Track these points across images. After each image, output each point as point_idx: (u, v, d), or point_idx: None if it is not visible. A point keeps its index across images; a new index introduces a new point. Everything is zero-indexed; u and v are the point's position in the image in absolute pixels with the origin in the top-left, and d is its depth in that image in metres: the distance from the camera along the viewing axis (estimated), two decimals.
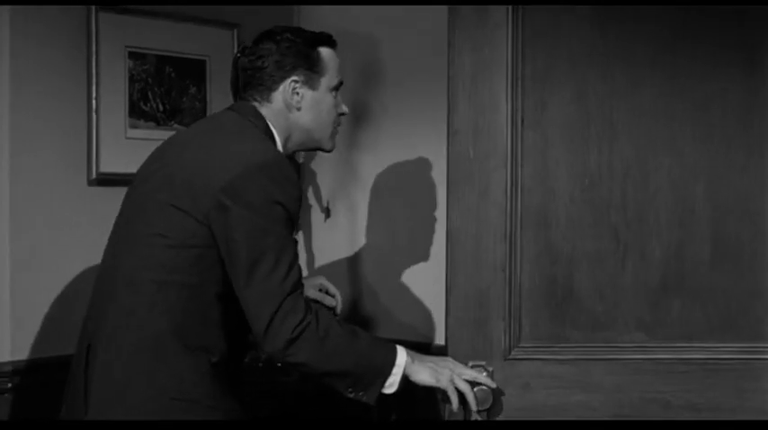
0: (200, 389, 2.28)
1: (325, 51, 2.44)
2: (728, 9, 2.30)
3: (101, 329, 2.30)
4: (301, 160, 3.45)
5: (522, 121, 2.31)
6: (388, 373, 2.25)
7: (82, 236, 3.07)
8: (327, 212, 3.54)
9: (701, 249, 2.32)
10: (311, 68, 2.41)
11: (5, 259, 2.95)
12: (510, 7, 2.29)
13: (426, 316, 3.30)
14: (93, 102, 3.12)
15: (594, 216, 2.32)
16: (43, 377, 2.76)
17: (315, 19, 3.43)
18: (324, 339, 2.22)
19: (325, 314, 2.28)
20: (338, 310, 2.71)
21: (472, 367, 2.30)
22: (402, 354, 2.28)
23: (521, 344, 2.33)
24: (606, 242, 2.32)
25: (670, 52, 2.30)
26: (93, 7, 3.10)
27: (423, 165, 3.25)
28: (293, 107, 2.41)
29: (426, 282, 3.29)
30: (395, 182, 3.38)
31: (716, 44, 2.30)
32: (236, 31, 3.42)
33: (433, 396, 2.32)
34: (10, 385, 2.92)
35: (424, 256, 3.29)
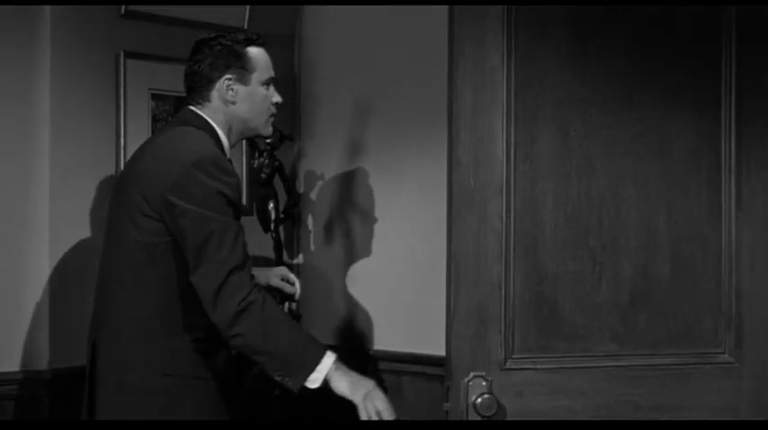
0: (189, 364, 2.66)
1: (254, 51, 2.80)
2: (681, 52, 2.64)
3: (101, 325, 2.71)
4: (302, 190, 3.65)
5: (515, 155, 2.58)
6: (311, 369, 2.55)
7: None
8: (325, 236, 3.79)
9: (662, 269, 2.65)
10: (242, 66, 2.76)
11: (45, 277, 3.31)
12: (505, 52, 2.56)
13: (417, 330, 3.54)
14: (122, 139, 3.48)
15: (575, 240, 2.61)
16: (77, 384, 2.97)
17: (314, 56, 3.86)
18: (266, 319, 2.54)
19: (272, 298, 2.61)
20: (296, 297, 3.03)
21: (474, 378, 2.52)
22: (330, 359, 2.58)
23: (514, 356, 2.57)
24: (585, 263, 2.62)
25: (638, 92, 2.62)
26: (122, 53, 3.49)
27: (415, 193, 3.51)
28: (229, 102, 2.76)
29: (416, 299, 3.54)
30: (388, 209, 3.67)
31: (674, 86, 2.64)
32: None
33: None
34: (48, 391, 3.27)
35: (416, 276, 3.56)
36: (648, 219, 2.65)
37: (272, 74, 2.82)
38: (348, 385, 2.56)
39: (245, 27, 3.68)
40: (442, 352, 3.23)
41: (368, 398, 2.54)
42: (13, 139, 3.28)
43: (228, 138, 2.79)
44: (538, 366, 2.58)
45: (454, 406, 2.53)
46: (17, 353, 3.30)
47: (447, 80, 2.56)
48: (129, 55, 3.50)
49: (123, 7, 3.46)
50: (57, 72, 3.32)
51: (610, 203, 2.63)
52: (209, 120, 2.76)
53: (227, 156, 2.78)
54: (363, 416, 2.54)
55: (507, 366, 2.56)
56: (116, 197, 2.79)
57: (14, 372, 3.28)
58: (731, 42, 2.65)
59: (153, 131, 3.48)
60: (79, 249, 3.36)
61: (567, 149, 2.61)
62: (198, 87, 2.77)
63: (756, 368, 2.66)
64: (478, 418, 2.50)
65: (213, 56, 2.75)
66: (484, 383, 2.53)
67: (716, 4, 2.64)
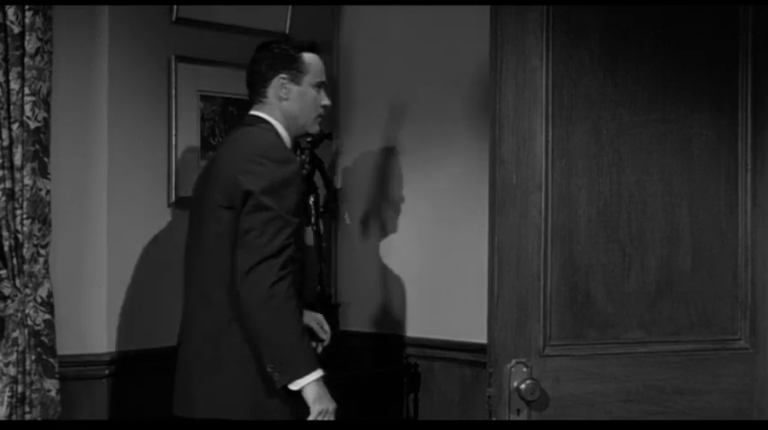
0: None
1: (308, 56, 3.06)
2: (700, 59, 2.81)
3: (190, 322, 3.00)
4: (340, 186, 3.77)
5: (553, 152, 2.71)
6: (301, 376, 2.82)
7: (163, 247, 3.64)
8: (363, 230, 4.01)
9: (684, 261, 2.82)
10: (296, 68, 3.03)
11: (104, 268, 3.54)
12: (544, 53, 2.69)
13: (450, 318, 3.68)
14: (174, 138, 3.69)
15: (607, 233, 2.76)
16: (134, 365, 3.51)
17: (353, 56, 4.08)
18: (282, 316, 2.79)
19: (295, 299, 2.83)
20: (325, 344, 3.23)
21: (516, 364, 2.64)
22: (317, 374, 2.86)
23: (551, 343, 2.70)
24: (615, 255, 2.76)
25: (662, 94, 2.78)
26: (173, 57, 3.69)
27: (445, 189, 3.63)
28: (282, 98, 3.02)
29: (448, 289, 3.70)
30: (421, 204, 3.85)
31: (695, 89, 2.81)
32: None
33: None
34: (107, 372, 3.52)
35: (447, 267, 3.72)
36: (672, 214, 2.81)
37: (323, 78, 3.08)
38: (315, 395, 2.84)
39: (287, 32, 3.91)
40: (474, 339, 3.39)
41: (323, 411, 2.84)
42: (73, 138, 3.47)
43: (288, 131, 3.05)
44: (573, 353, 2.72)
45: (497, 391, 2.64)
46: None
47: (489, 80, 2.67)
48: (180, 59, 3.70)
49: (175, 14, 3.68)
50: (114, 74, 3.54)
51: (637, 198, 2.78)
52: (268, 118, 3.03)
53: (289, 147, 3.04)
54: (311, 417, 2.85)
55: (545, 353, 2.69)
56: (196, 197, 3.07)
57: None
58: (747, 46, 2.83)
59: (202, 130, 3.75)
60: (133, 245, 3.60)
61: (600, 146, 2.75)
62: (256, 84, 3.04)
63: None
64: (521, 403, 2.62)
65: (272, 57, 3.03)
66: (525, 369, 2.65)
67: (735, 4, 2.80)
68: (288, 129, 3.04)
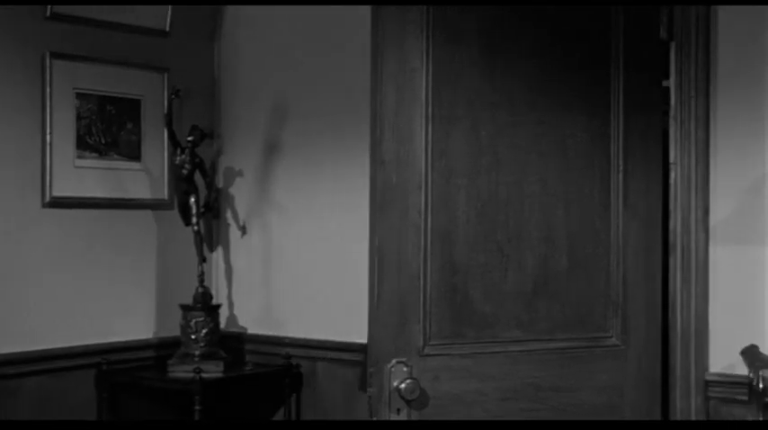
0: None
1: None
2: (576, 60, 2.87)
3: None
4: (221, 185, 3.73)
5: (432, 152, 2.73)
6: None
7: (36, 247, 3.57)
8: (243, 230, 3.95)
9: (560, 260, 2.88)
10: None
11: None
12: (424, 53, 2.70)
13: (332, 319, 3.67)
14: (48, 136, 3.59)
15: (485, 233, 2.79)
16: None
17: (235, 55, 3.98)
18: None
19: None
20: None
21: (396, 364, 2.66)
22: None
23: (431, 342, 2.72)
24: (493, 255, 2.80)
25: (539, 96, 2.83)
26: (48, 54, 3.59)
27: (329, 189, 3.61)
28: None
29: (330, 289, 3.70)
30: (304, 204, 3.81)
31: (570, 89, 2.87)
32: (166, 74, 3.89)
33: None
34: None
35: (330, 267, 3.71)
36: (549, 214, 2.86)
37: None
38: None
39: (167, 29, 3.84)
40: (356, 339, 3.38)
41: None
42: None
43: None
44: (452, 352, 2.74)
45: (378, 391, 2.65)
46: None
47: (370, 81, 2.67)
48: (55, 55, 3.61)
49: (49, 9, 3.56)
50: None
51: (515, 199, 2.82)
52: None
53: None
54: None
55: (425, 352, 2.71)
56: None
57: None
58: (619, 48, 2.90)
59: (78, 129, 3.67)
60: (2, 247, 3.50)
61: (478, 147, 2.78)
62: None
63: (638, 350, 2.93)
64: (401, 402, 2.63)
65: None
66: (405, 369, 2.66)
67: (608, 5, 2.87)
68: None
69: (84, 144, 3.68)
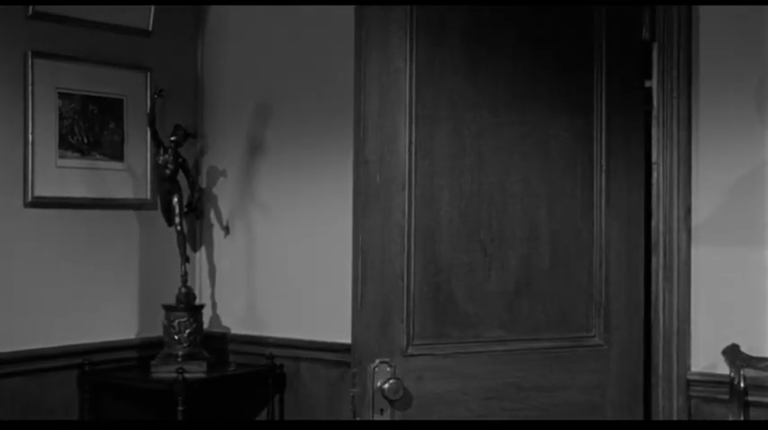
0: None
1: None
2: (559, 60, 2.87)
3: None
4: (204, 185, 3.72)
5: (416, 152, 2.73)
6: None
7: (19, 247, 3.55)
8: (227, 230, 3.94)
9: (542, 260, 2.88)
10: None
11: None
12: (407, 54, 2.70)
13: (315, 319, 3.67)
14: (30, 135, 3.58)
15: (468, 233, 2.79)
16: None
17: (218, 54, 3.98)
18: None
19: None
20: None
21: (379, 364, 2.65)
22: None
23: (414, 342, 2.72)
24: (477, 255, 2.80)
25: (522, 96, 2.83)
26: (30, 53, 3.58)
27: (313, 189, 3.61)
28: None
29: (314, 289, 3.70)
30: (287, 204, 3.81)
31: (553, 90, 2.88)
32: (149, 74, 3.89)
33: None
34: None
35: (313, 267, 3.71)
36: (531, 214, 2.87)
37: None
38: None
39: (150, 29, 3.83)
40: (339, 339, 3.38)
41: None
42: None
43: None
44: (436, 352, 2.75)
45: (361, 391, 2.64)
46: None
47: (354, 81, 2.67)
48: (37, 54, 3.60)
49: (31, 8, 3.56)
50: None
51: (498, 199, 2.83)
52: None
53: None
54: None
55: (409, 352, 2.71)
56: None
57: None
58: (602, 48, 2.91)
59: (60, 128, 3.64)
60: None
61: (462, 147, 2.79)
62: None
63: (620, 349, 2.94)
64: (385, 402, 2.63)
65: None
66: (389, 369, 2.66)
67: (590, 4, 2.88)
68: None
69: (66, 144, 3.68)
